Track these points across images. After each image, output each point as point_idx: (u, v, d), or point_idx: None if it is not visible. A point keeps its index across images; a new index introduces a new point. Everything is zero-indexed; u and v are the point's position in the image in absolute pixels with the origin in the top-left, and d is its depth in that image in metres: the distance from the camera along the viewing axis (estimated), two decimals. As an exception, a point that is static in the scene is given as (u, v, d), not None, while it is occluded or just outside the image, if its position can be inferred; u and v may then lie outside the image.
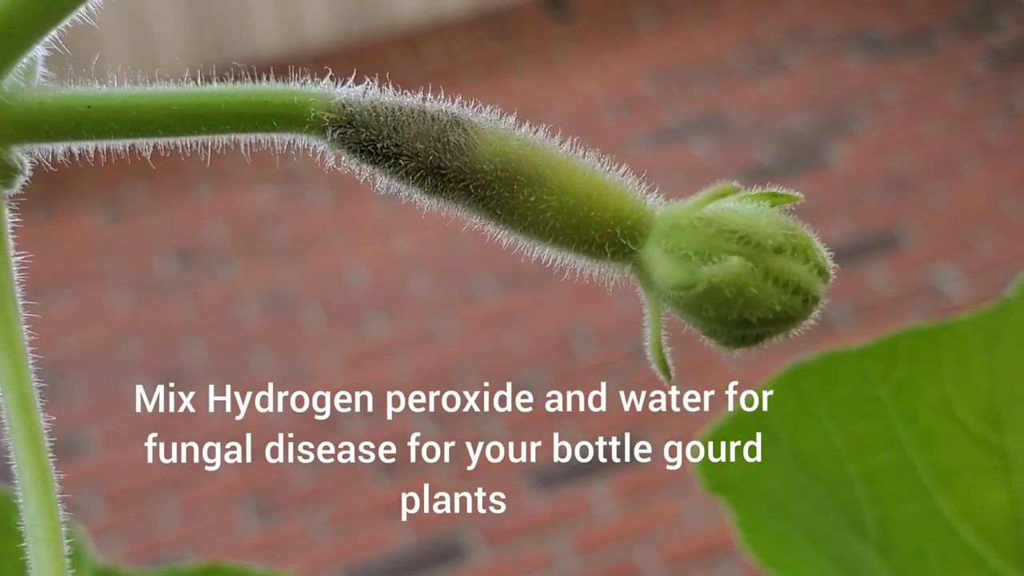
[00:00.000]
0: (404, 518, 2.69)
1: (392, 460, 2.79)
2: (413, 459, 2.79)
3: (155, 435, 2.89)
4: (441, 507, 2.71)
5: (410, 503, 2.72)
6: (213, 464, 2.83)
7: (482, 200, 0.39)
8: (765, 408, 0.53)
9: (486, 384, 2.91)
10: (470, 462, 2.77)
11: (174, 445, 2.87)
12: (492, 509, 2.69)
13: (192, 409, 2.94)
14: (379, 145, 0.39)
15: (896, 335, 0.49)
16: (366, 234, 3.31)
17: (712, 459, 0.54)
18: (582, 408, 2.84)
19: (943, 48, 3.67)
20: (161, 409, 2.94)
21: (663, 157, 3.41)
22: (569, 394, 2.87)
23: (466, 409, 2.87)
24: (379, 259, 3.23)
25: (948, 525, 0.52)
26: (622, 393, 2.86)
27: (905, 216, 3.19)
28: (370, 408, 2.89)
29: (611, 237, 0.38)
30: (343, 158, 0.40)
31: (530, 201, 0.38)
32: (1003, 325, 0.50)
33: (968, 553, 0.52)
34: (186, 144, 0.39)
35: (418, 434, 2.83)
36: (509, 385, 2.90)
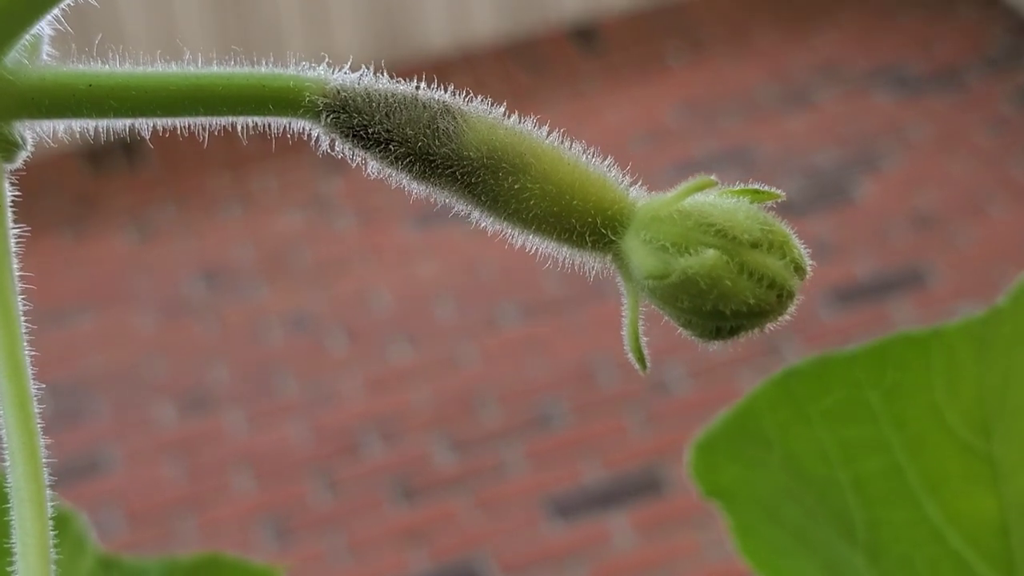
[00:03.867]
0: (421, 544, 2.69)
1: (411, 486, 2.80)
2: (432, 485, 2.80)
3: (177, 455, 2.90)
4: (459, 534, 2.71)
5: (428, 529, 2.72)
6: (233, 485, 2.84)
7: (468, 187, 0.40)
8: (757, 413, 0.53)
9: (507, 411, 2.91)
10: (489, 489, 2.78)
11: (196, 465, 2.89)
12: (509, 537, 2.69)
13: (214, 430, 2.95)
14: (370, 130, 0.40)
15: (886, 341, 0.49)
16: (391, 259, 3.32)
17: (706, 464, 0.55)
18: (603, 438, 2.84)
19: (972, 87, 3.67)
20: (184, 429, 2.96)
21: (689, 190, 3.42)
22: (590, 423, 2.87)
23: (486, 436, 2.87)
24: (403, 284, 3.24)
25: (936, 531, 0.52)
26: (643, 424, 2.86)
27: (931, 254, 3.19)
28: (390, 433, 2.90)
29: (592, 226, 0.39)
30: (337, 143, 0.41)
31: (514, 189, 0.39)
32: (994, 333, 0.51)
33: (955, 560, 0.52)
34: (184, 126, 0.40)
35: (438, 460, 2.84)
36: (530, 413, 2.90)
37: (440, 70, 4.00)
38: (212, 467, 2.88)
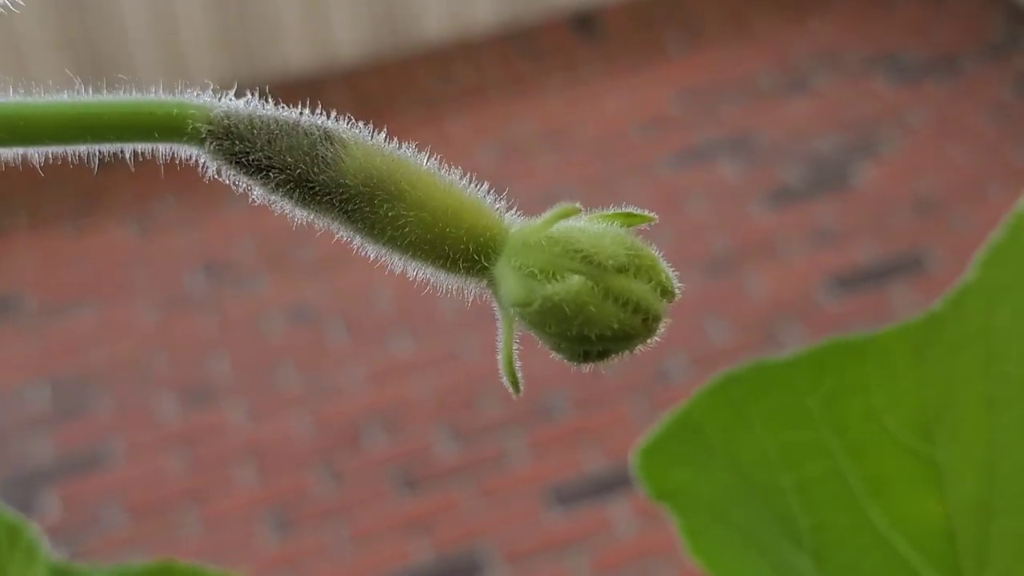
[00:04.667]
0: (424, 534, 2.70)
1: (413, 477, 2.81)
2: (434, 476, 2.80)
3: (179, 448, 2.91)
4: (461, 524, 2.72)
5: (430, 519, 2.73)
6: (235, 478, 2.85)
7: (346, 214, 0.40)
8: (698, 417, 0.53)
9: (508, 402, 2.91)
10: (491, 479, 2.78)
11: (198, 458, 2.89)
12: (512, 527, 2.70)
13: (216, 423, 2.96)
14: (251, 157, 0.40)
15: (822, 347, 0.49)
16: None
17: (652, 467, 0.55)
18: (604, 427, 2.85)
19: (971, 72, 3.66)
20: (186, 422, 2.97)
21: (690, 177, 3.42)
22: (591, 413, 2.88)
23: (488, 426, 2.88)
24: (403, 277, 3.24)
25: (881, 536, 0.52)
26: (645, 413, 2.86)
27: (931, 239, 3.18)
28: (392, 424, 2.91)
29: (464, 253, 0.40)
30: (223, 170, 0.41)
31: (389, 216, 0.40)
32: (932, 339, 0.51)
33: (901, 564, 0.52)
34: (75, 154, 0.41)
35: (439, 451, 2.85)
36: (531, 403, 2.91)
37: (440, 59, 4.00)
38: (214, 460, 2.89)
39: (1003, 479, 0.54)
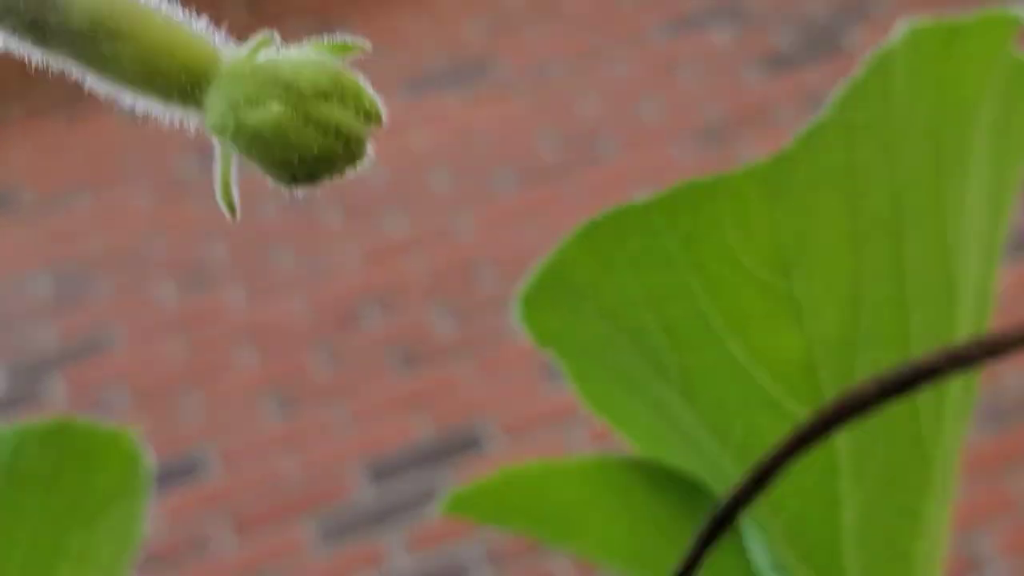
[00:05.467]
0: (424, 410, 2.74)
1: (411, 354, 2.84)
2: (432, 353, 2.83)
3: (179, 332, 2.94)
4: (460, 399, 2.75)
5: (430, 396, 2.76)
6: (235, 359, 2.88)
7: (76, 54, 0.42)
8: (568, 263, 0.55)
9: (504, 278, 2.93)
10: (489, 354, 2.81)
11: (198, 341, 2.93)
12: (510, 400, 2.73)
13: (214, 306, 2.99)
14: None
15: (676, 189, 0.50)
16: (382, 129, 3.31)
17: (532, 314, 0.57)
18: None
19: (966, -71, 3.60)
20: (184, 306, 3.00)
21: (681, 46, 3.39)
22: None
23: (484, 302, 2.90)
24: (396, 155, 3.24)
25: (743, 371, 0.54)
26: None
27: (924, 101, 3.16)
28: (389, 303, 2.93)
29: (179, 86, 0.41)
30: None
31: (110, 53, 0.41)
32: (785, 176, 0.52)
33: (764, 397, 0.54)
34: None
35: (437, 328, 2.87)
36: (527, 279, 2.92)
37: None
38: (214, 342, 2.92)
39: (868, 313, 0.55)
